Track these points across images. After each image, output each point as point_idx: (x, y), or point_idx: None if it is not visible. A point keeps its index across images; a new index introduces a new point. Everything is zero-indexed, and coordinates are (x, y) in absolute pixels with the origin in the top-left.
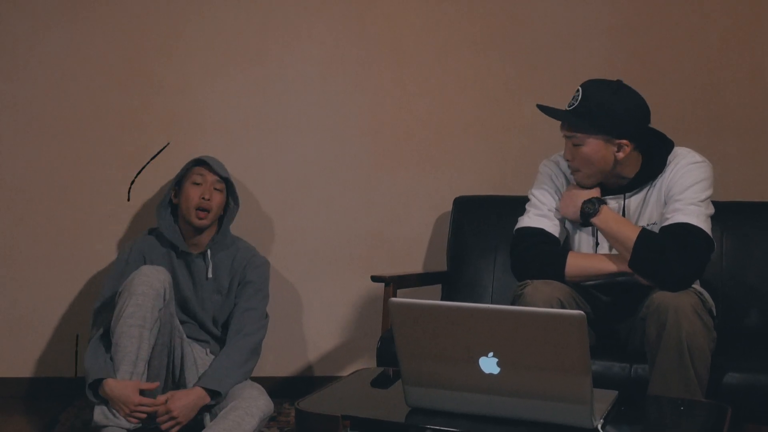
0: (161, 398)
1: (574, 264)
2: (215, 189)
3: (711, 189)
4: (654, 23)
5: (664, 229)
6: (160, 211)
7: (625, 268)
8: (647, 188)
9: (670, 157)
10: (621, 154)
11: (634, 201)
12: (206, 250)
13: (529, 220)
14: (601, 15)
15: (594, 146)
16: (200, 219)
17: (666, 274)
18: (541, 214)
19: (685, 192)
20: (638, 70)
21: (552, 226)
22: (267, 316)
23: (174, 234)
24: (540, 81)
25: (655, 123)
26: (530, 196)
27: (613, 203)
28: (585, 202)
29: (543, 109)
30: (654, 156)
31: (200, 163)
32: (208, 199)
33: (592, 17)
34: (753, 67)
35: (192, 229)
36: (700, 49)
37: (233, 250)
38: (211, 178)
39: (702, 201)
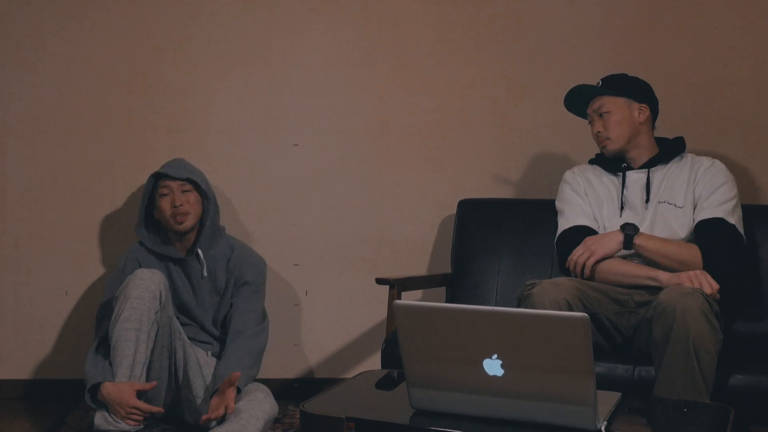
0: (205, 417)
1: (605, 269)
2: (183, 191)
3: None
4: (655, 24)
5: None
6: (140, 232)
7: (656, 279)
8: (669, 166)
9: (686, 153)
10: (642, 117)
11: (657, 175)
12: (197, 250)
13: (567, 220)
14: (604, 16)
15: (620, 108)
16: (181, 224)
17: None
18: (576, 212)
19: (714, 194)
20: (639, 71)
21: (589, 221)
22: (266, 316)
23: (161, 246)
24: (544, 82)
25: (657, 124)
26: (558, 203)
27: (639, 175)
28: (622, 226)
29: (571, 92)
30: (669, 142)
31: (159, 176)
32: (180, 205)
33: (594, 18)
34: (756, 68)
35: (176, 234)
36: (701, 50)
37: (228, 249)
38: (174, 184)
39: (733, 198)
